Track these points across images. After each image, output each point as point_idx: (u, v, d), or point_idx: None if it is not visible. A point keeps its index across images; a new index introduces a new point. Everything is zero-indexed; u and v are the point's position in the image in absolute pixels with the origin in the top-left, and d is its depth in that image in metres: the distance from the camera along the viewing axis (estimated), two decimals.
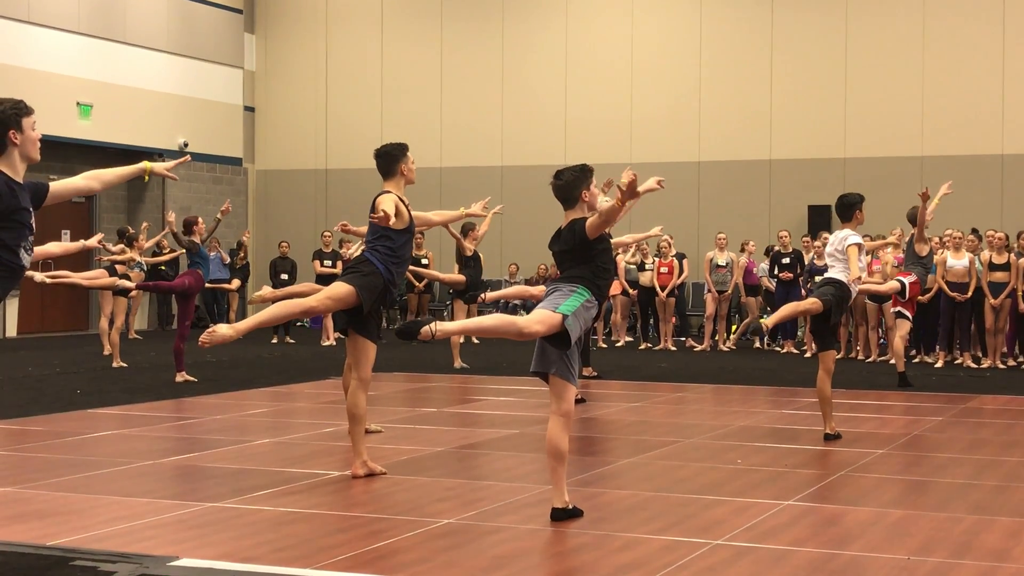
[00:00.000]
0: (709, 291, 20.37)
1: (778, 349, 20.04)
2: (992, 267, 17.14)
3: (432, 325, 6.24)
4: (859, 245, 10.08)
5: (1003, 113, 22.09)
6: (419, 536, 6.43)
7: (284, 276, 21.55)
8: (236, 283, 21.50)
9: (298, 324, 24.73)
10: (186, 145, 25.37)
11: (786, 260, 19.65)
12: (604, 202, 7.46)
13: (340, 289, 7.90)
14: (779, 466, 8.74)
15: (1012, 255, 17.24)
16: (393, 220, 7.77)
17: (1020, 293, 17.01)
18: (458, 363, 16.28)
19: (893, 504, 7.42)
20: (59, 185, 6.08)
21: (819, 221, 22.14)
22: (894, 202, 22.36)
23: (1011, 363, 17.35)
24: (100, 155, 24.33)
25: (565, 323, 6.52)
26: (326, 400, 12.93)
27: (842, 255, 10.12)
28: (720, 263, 20.32)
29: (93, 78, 23.61)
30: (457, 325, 6.54)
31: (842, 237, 10.19)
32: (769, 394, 13.86)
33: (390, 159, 8.23)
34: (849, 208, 10.25)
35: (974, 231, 17.99)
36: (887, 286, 13.88)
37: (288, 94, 27.31)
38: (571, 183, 6.84)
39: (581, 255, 6.75)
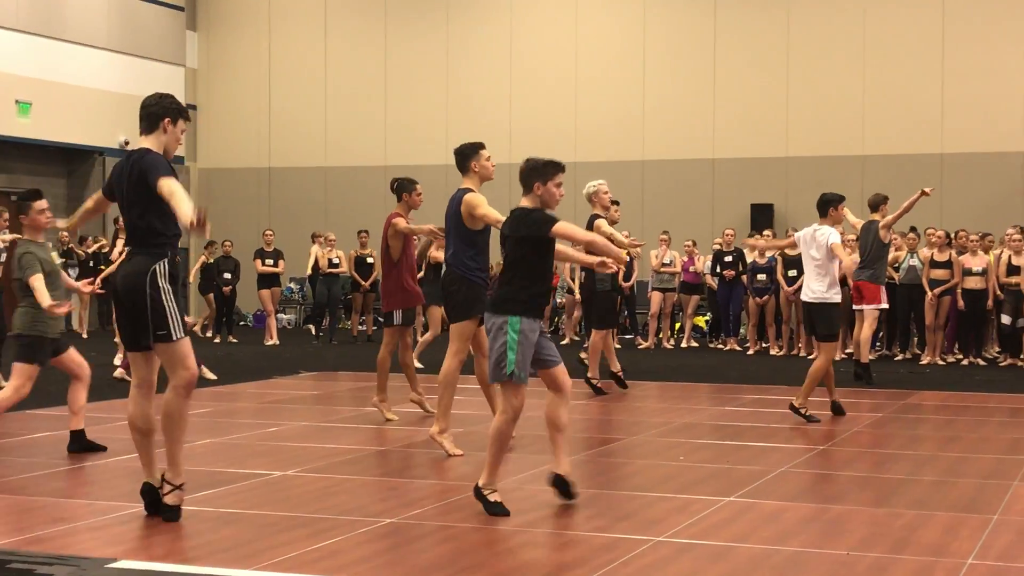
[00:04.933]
0: (653, 289, 20.48)
1: (721, 347, 20.15)
2: (933, 264, 17.35)
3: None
4: (838, 243, 10.80)
5: (943, 112, 22.34)
6: (362, 536, 6.40)
7: (227, 275, 21.40)
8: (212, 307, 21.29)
9: (241, 323, 24.60)
10: (127, 143, 25.10)
11: (728, 258, 19.77)
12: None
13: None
14: (721, 463, 8.79)
15: (953, 252, 17.46)
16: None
17: (960, 290, 17.22)
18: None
19: (833, 500, 7.49)
20: None
21: (761, 219, 22.32)
22: None
23: (950, 359, 17.56)
24: (39, 153, 24.06)
25: (515, 380, 6.84)
26: (268, 400, 12.84)
27: (820, 252, 10.80)
28: (664, 261, 20.41)
29: (32, 75, 23.33)
30: (490, 466, 6.99)
31: (823, 234, 10.81)
32: (712, 391, 13.94)
33: (462, 157, 9.23)
34: (824, 205, 11.10)
35: (912, 229, 18.19)
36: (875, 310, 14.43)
37: (231, 92, 27.12)
38: (525, 172, 7.01)
39: (522, 246, 6.87)
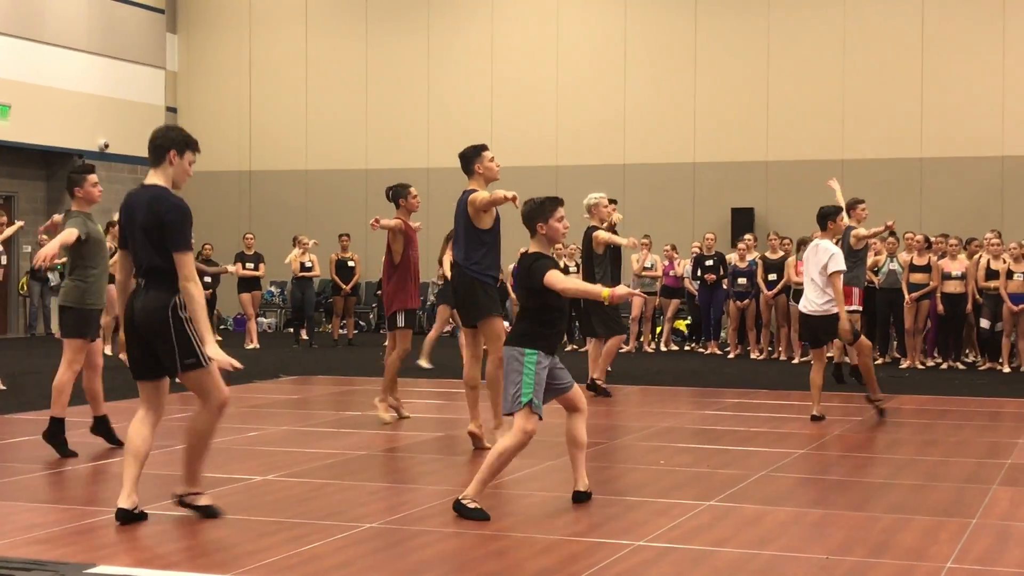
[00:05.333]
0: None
1: (702, 351, 20.19)
2: (912, 269, 17.40)
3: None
4: (839, 273, 10.92)
5: (922, 117, 22.43)
6: (342, 541, 6.39)
7: (207, 279, 21.32)
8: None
9: (222, 327, 24.51)
10: (106, 146, 25.05)
11: (709, 262, 19.81)
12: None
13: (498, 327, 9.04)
14: (701, 467, 8.80)
15: (933, 257, 17.53)
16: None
17: (939, 294, 17.28)
18: (425, 363, 16.25)
19: (813, 504, 7.50)
20: None
21: (742, 223, 22.37)
22: (816, 204, 22.61)
23: (930, 363, 17.61)
24: (18, 156, 23.96)
25: (533, 409, 6.99)
26: (249, 404, 12.80)
27: (824, 275, 10.94)
28: (646, 265, 20.44)
29: (11, 78, 23.22)
30: (480, 480, 7.01)
31: (827, 253, 10.95)
32: (693, 395, 13.96)
33: (465, 160, 9.29)
34: (823, 219, 11.30)
35: (892, 233, 18.23)
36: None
37: (211, 95, 27.05)
38: (526, 215, 7.19)
39: (533, 295, 7.09)
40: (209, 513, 6.82)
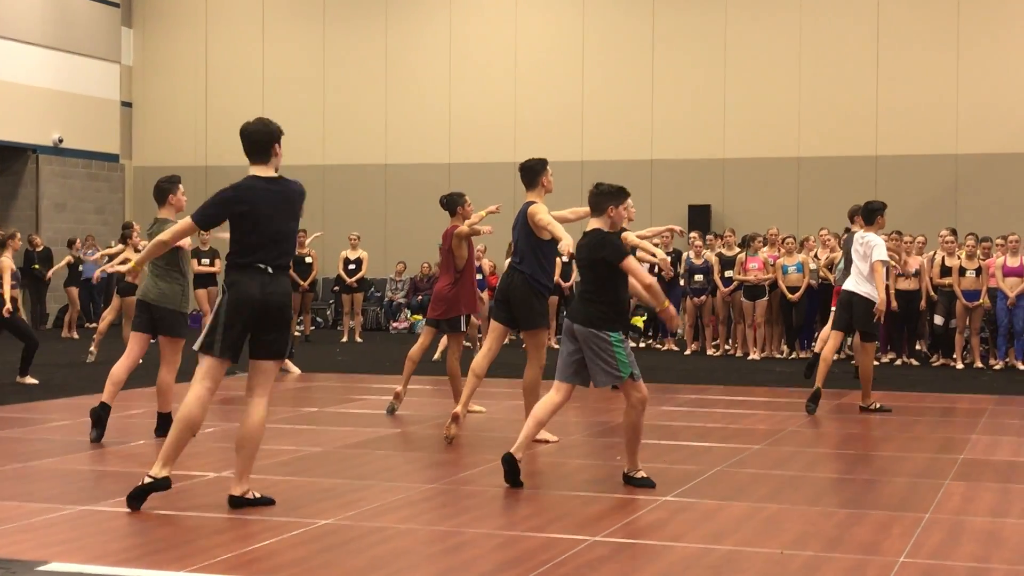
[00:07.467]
0: None
1: (659, 347, 20.24)
2: None
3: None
4: (883, 262, 11.60)
5: (877, 115, 22.60)
6: (297, 538, 6.36)
7: None
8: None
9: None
10: (61, 141, 24.82)
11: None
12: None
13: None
14: (658, 462, 8.82)
15: None
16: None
17: (893, 291, 17.40)
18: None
19: (767, 499, 7.54)
20: None
21: (699, 220, 22.46)
22: (772, 201, 22.82)
23: (884, 359, 17.74)
24: None
25: (634, 379, 7.76)
26: None
27: (866, 261, 11.50)
28: None
29: None
30: (631, 456, 7.95)
31: (871, 243, 11.48)
32: (649, 391, 13.89)
33: (532, 173, 9.37)
34: (872, 213, 11.81)
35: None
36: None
37: (167, 89, 26.86)
38: (602, 193, 7.83)
39: (599, 268, 7.61)
40: (265, 502, 7.11)
